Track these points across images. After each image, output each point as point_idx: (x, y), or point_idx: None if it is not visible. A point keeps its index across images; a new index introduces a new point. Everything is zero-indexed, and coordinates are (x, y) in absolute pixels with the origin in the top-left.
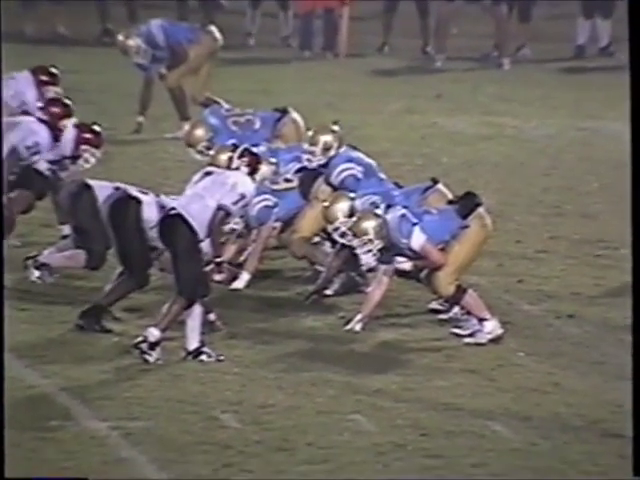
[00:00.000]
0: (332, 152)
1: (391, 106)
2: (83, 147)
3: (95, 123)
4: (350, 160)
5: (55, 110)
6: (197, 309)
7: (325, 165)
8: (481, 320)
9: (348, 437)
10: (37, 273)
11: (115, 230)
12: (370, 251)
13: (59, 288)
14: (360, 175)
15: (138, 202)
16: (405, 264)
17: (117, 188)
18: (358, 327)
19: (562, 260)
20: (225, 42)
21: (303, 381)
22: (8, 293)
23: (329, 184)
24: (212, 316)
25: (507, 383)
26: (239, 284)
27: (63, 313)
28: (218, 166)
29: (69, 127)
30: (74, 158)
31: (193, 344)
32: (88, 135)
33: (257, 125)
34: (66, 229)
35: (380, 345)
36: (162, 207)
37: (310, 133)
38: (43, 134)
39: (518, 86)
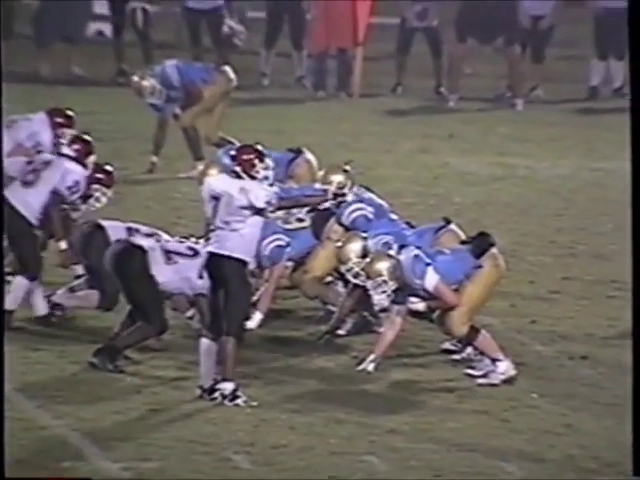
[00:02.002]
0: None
1: (404, 146)
2: (95, 186)
3: (107, 163)
4: (361, 201)
5: (80, 147)
6: (213, 347)
7: (337, 205)
8: (494, 361)
9: (361, 478)
10: (43, 310)
11: (122, 280)
12: (384, 292)
13: (71, 328)
14: (371, 216)
15: (143, 251)
16: (418, 305)
17: (129, 228)
18: (371, 367)
19: (575, 301)
20: (239, 82)
21: (316, 422)
22: (21, 333)
23: (340, 224)
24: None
25: (520, 424)
26: (252, 324)
27: (75, 353)
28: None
29: (80, 167)
30: (85, 197)
31: (208, 382)
32: (100, 175)
33: (271, 165)
34: (79, 269)
35: (393, 385)
36: (167, 252)
37: (322, 173)
38: (80, 172)
39: (531, 127)
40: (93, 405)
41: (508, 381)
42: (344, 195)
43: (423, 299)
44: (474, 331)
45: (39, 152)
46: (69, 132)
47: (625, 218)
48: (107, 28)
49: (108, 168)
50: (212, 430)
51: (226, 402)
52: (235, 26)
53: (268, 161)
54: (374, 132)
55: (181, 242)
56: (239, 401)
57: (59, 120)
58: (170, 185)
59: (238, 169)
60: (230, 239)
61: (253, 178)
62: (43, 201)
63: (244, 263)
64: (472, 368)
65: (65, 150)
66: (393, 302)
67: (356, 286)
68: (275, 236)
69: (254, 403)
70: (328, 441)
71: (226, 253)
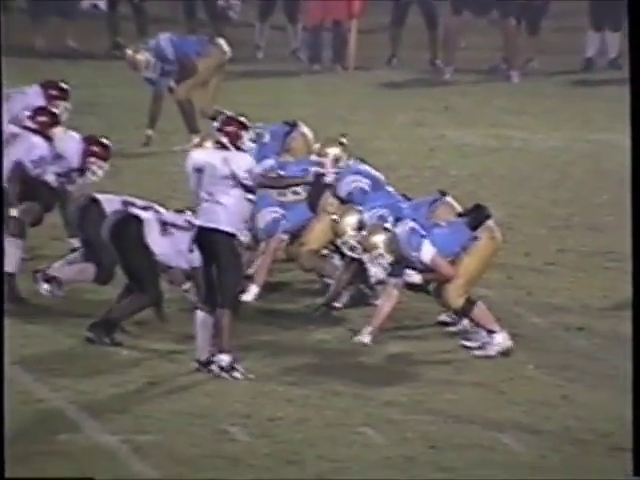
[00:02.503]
0: (340, 164)
1: (399, 119)
2: (91, 160)
3: (103, 136)
4: (358, 173)
5: (43, 119)
6: (209, 320)
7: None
8: (490, 332)
9: (357, 450)
10: (46, 286)
11: (119, 250)
12: (380, 265)
13: (68, 301)
14: (367, 188)
15: (139, 220)
16: (415, 277)
17: (125, 202)
18: (367, 340)
19: (571, 272)
20: (234, 55)
21: (312, 394)
22: (17, 306)
23: (336, 197)
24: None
25: (516, 396)
26: (248, 297)
27: (72, 327)
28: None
29: (77, 139)
30: (82, 171)
31: (205, 355)
32: (96, 148)
33: (266, 138)
34: (75, 242)
35: (389, 358)
36: (163, 223)
37: (318, 146)
38: (44, 146)
39: (526, 99)
40: (90, 378)
41: (504, 353)
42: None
43: (419, 272)
44: (470, 303)
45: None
46: (64, 104)
47: (620, 190)
48: (102, 1)
49: (104, 141)
50: (209, 402)
51: (224, 374)
52: None
53: (252, 133)
54: (369, 105)
55: (177, 215)
56: (237, 374)
57: (54, 93)
58: (166, 158)
59: (225, 140)
60: (216, 212)
61: (239, 149)
62: (7, 172)
63: (232, 235)
64: (468, 340)
65: (28, 123)
66: (389, 275)
67: (352, 259)
68: (270, 208)
69: (251, 375)
70: (324, 413)
71: (213, 226)
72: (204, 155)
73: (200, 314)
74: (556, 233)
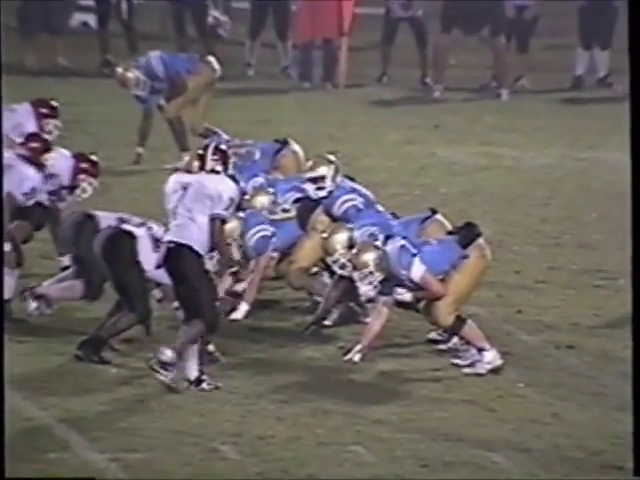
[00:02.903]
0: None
1: (390, 136)
2: (81, 177)
3: (93, 153)
4: (353, 191)
5: (35, 145)
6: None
7: (325, 196)
8: (480, 350)
9: (348, 468)
10: (35, 304)
11: (110, 266)
12: (371, 283)
13: (57, 319)
14: (362, 206)
15: (132, 237)
16: (405, 295)
17: (120, 219)
18: (357, 358)
19: (561, 290)
20: (224, 72)
21: (302, 412)
22: (6, 324)
23: (329, 215)
24: (211, 347)
25: (507, 414)
26: (238, 315)
27: (61, 344)
28: (190, 171)
29: (67, 156)
30: (72, 188)
31: (193, 373)
32: (85, 165)
33: (256, 156)
34: (65, 261)
35: (379, 375)
36: (156, 240)
37: (309, 164)
38: (36, 177)
39: (516, 117)
40: (79, 396)
41: (494, 371)
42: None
43: (409, 289)
44: (460, 321)
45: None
46: (53, 122)
47: (610, 207)
48: (92, 19)
49: (93, 158)
50: (199, 421)
51: (192, 387)
52: (220, 17)
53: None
54: (360, 122)
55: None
56: (204, 385)
57: (44, 111)
58: (156, 176)
59: (219, 167)
60: (190, 229)
61: (226, 171)
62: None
63: (200, 256)
64: (458, 358)
65: (19, 150)
66: (379, 293)
67: (342, 277)
68: (260, 226)
69: (219, 384)
70: (315, 431)
71: (185, 242)
72: (191, 175)
73: None
74: (546, 251)
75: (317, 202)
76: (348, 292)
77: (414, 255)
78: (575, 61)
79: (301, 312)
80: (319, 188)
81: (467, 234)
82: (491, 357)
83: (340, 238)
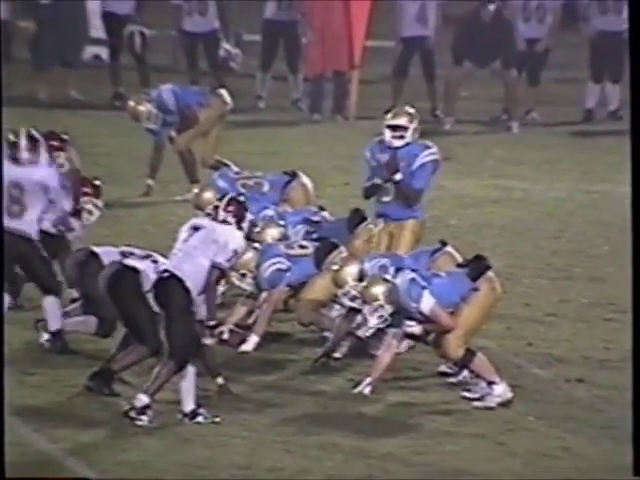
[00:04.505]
0: None
1: None
2: (84, 199)
3: (95, 177)
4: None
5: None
6: (190, 370)
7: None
8: (490, 384)
9: None
10: (47, 336)
11: (117, 302)
12: (381, 316)
13: (68, 351)
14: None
15: (136, 271)
16: (415, 328)
17: (123, 252)
18: (367, 390)
19: (571, 324)
20: (235, 105)
21: (312, 445)
22: (17, 356)
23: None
24: (220, 380)
25: (517, 447)
26: (248, 347)
27: (72, 377)
28: (202, 207)
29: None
30: (77, 213)
31: (189, 406)
32: (86, 188)
33: (265, 188)
34: (75, 292)
35: (389, 408)
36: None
37: (390, 114)
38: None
39: (527, 149)
40: (89, 429)
41: (504, 404)
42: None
43: (419, 322)
44: (470, 354)
45: None
46: (64, 155)
47: (621, 240)
48: (104, 52)
49: (94, 181)
50: (208, 454)
51: (186, 420)
52: (231, 49)
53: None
54: None
55: None
56: (200, 419)
57: (54, 144)
58: (166, 208)
59: (231, 219)
60: (186, 264)
61: (240, 228)
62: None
63: (189, 292)
64: (468, 391)
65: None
66: (389, 325)
67: (352, 309)
68: (277, 259)
69: (217, 419)
70: (324, 464)
71: (178, 274)
72: (207, 220)
73: None
74: (557, 284)
75: (335, 244)
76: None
77: (424, 288)
78: (586, 94)
79: (310, 344)
80: (398, 137)
81: (477, 267)
82: (501, 390)
83: (351, 270)
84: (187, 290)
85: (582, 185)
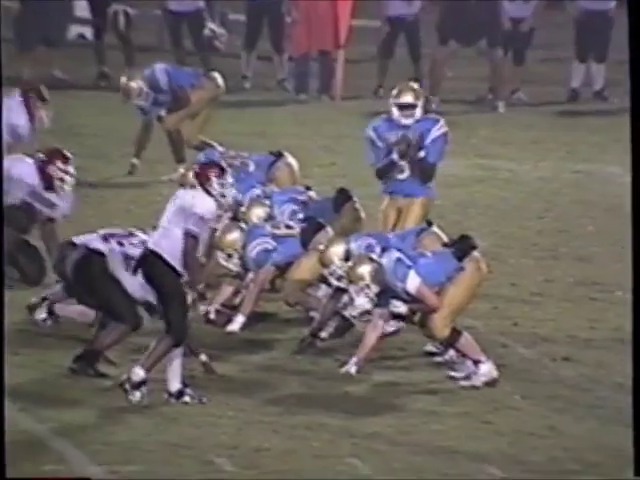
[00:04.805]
0: None
1: None
2: (51, 168)
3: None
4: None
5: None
6: (176, 350)
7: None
8: (476, 363)
9: None
10: (44, 316)
11: (86, 287)
12: (367, 296)
13: (52, 333)
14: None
15: (101, 254)
16: (401, 308)
17: (104, 237)
18: (353, 370)
19: (557, 303)
20: None
21: (299, 424)
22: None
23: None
24: (203, 357)
25: (503, 426)
26: (234, 327)
27: (58, 357)
28: (184, 185)
29: (26, 161)
30: (48, 185)
31: (175, 385)
32: (52, 157)
33: (251, 168)
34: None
35: (375, 388)
36: (127, 258)
37: (395, 90)
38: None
39: (512, 129)
40: (76, 409)
41: (490, 383)
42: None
43: (405, 302)
44: (456, 333)
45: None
46: (44, 109)
47: (606, 220)
48: (88, 31)
49: (57, 148)
50: (195, 433)
51: (172, 400)
52: (216, 29)
53: (228, 178)
54: (356, 135)
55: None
56: (187, 398)
57: (32, 96)
58: (151, 188)
59: (195, 181)
60: (163, 239)
61: (208, 192)
62: None
63: (171, 266)
64: (454, 370)
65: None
66: (375, 305)
67: (338, 289)
68: (263, 239)
69: (204, 399)
70: (311, 444)
71: (158, 250)
72: (182, 191)
73: None
74: (542, 263)
75: (322, 224)
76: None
77: (409, 267)
78: (571, 74)
79: (297, 324)
80: (408, 115)
81: (463, 246)
82: (487, 369)
83: (337, 250)
84: (168, 264)
85: (567, 165)
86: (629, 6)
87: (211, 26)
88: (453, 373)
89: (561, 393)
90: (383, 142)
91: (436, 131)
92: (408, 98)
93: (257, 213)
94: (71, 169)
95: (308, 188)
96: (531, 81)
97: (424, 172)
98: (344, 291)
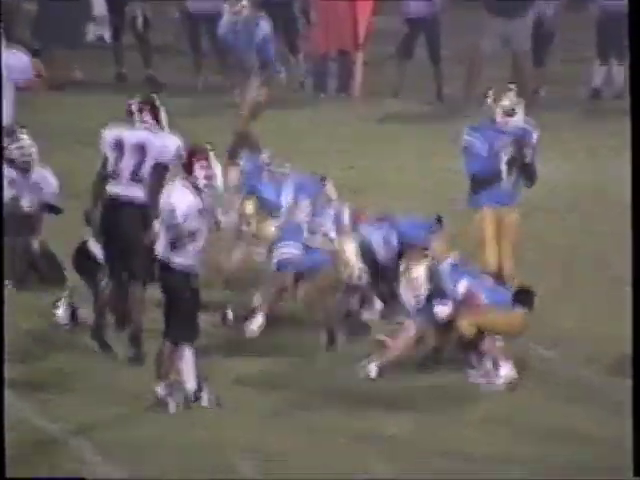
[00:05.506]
0: None
1: (405, 150)
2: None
3: None
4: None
5: None
6: (187, 351)
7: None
8: (497, 364)
9: None
10: (65, 316)
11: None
12: (417, 296)
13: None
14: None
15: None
16: (445, 309)
17: None
18: (373, 373)
19: (577, 303)
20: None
21: (315, 426)
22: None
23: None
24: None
25: (522, 428)
26: (253, 326)
27: (73, 357)
28: None
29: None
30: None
31: (191, 388)
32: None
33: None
34: None
35: (393, 391)
36: None
37: (490, 92)
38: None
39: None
40: (90, 408)
41: (510, 385)
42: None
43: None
44: (481, 333)
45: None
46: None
47: (627, 220)
48: (107, 33)
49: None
50: (211, 435)
51: (189, 401)
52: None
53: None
54: (374, 136)
55: None
56: (204, 403)
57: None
58: None
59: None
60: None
61: (191, 184)
62: None
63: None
64: (474, 371)
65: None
66: (417, 310)
67: (353, 289)
68: (291, 243)
69: (220, 400)
70: (327, 446)
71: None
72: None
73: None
74: (564, 263)
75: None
76: (361, 304)
77: (464, 275)
78: (592, 74)
79: (312, 326)
80: (510, 120)
81: (524, 297)
82: (507, 371)
83: (350, 248)
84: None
85: (589, 165)
86: (629, 6)
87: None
88: (472, 373)
89: (581, 395)
90: (487, 148)
91: (536, 134)
92: (511, 102)
93: (231, 176)
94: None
95: (323, 179)
96: (552, 81)
97: (532, 176)
98: (362, 291)
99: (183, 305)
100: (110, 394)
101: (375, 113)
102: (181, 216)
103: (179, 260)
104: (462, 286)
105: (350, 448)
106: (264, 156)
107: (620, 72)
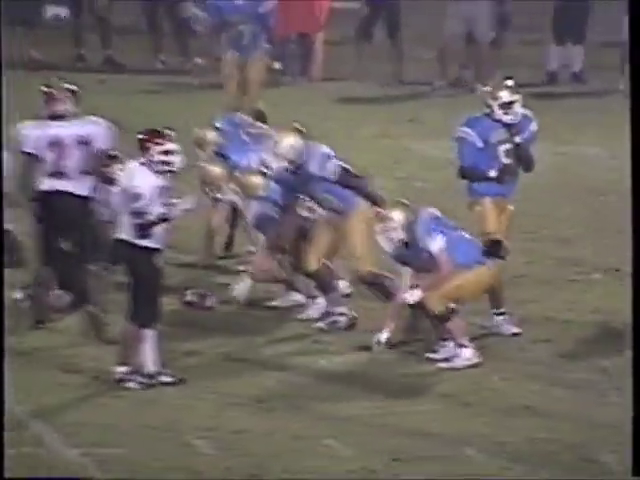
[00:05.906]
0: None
1: (364, 131)
2: None
3: None
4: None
5: None
6: (148, 332)
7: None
8: (460, 346)
9: (322, 462)
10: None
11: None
12: (390, 240)
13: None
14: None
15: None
16: (415, 294)
17: None
18: (384, 338)
19: (537, 285)
20: (199, 66)
21: (277, 407)
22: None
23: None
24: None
25: (481, 407)
26: (240, 288)
27: (37, 340)
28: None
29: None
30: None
31: (152, 368)
32: None
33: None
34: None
35: (353, 370)
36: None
37: (488, 88)
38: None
39: None
40: (54, 391)
41: (471, 367)
42: None
43: (418, 264)
44: (450, 312)
45: None
46: None
47: (586, 201)
48: (63, 11)
49: None
50: (174, 416)
51: (147, 382)
52: (198, 12)
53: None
54: (335, 117)
55: None
56: (165, 378)
57: None
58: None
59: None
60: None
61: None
62: None
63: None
64: (434, 352)
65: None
66: (402, 262)
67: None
68: (268, 204)
69: (183, 377)
70: (290, 426)
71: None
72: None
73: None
74: (524, 245)
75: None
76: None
77: (442, 232)
78: (548, 56)
79: (277, 308)
80: (511, 112)
81: (494, 249)
82: (470, 354)
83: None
84: (139, 246)
85: (547, 147)
86: (630, 6)
87: (193, 9)
88: (432, 355)
89: (540, 374)
90: (483, 141)
91: (534, 126)
92: (512, 96)
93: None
94: None
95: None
96: (509, 64)
97: (530, 167)
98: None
99: (148, 287)
100: (70, 375)
101: (335, 93)
102: (146, 197)
103: (144, 242)
104: (437, 245)
105: (309, 428)
106: (242, 116)
107: (577, 54)
